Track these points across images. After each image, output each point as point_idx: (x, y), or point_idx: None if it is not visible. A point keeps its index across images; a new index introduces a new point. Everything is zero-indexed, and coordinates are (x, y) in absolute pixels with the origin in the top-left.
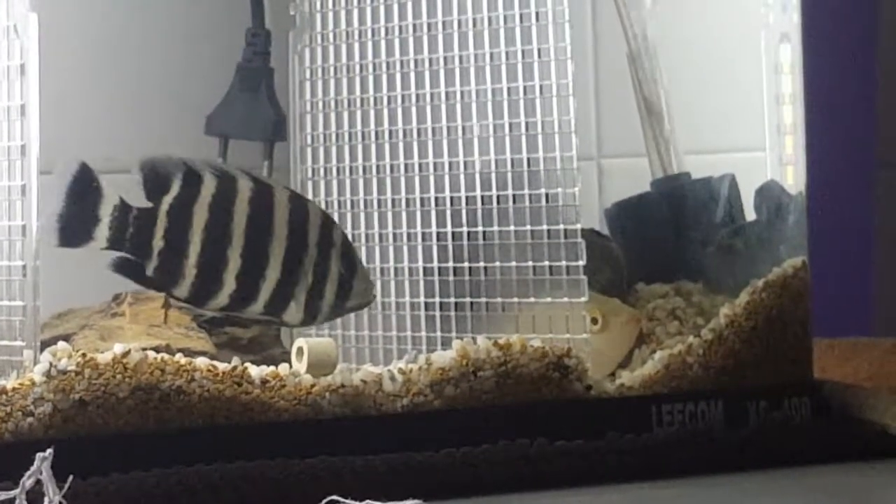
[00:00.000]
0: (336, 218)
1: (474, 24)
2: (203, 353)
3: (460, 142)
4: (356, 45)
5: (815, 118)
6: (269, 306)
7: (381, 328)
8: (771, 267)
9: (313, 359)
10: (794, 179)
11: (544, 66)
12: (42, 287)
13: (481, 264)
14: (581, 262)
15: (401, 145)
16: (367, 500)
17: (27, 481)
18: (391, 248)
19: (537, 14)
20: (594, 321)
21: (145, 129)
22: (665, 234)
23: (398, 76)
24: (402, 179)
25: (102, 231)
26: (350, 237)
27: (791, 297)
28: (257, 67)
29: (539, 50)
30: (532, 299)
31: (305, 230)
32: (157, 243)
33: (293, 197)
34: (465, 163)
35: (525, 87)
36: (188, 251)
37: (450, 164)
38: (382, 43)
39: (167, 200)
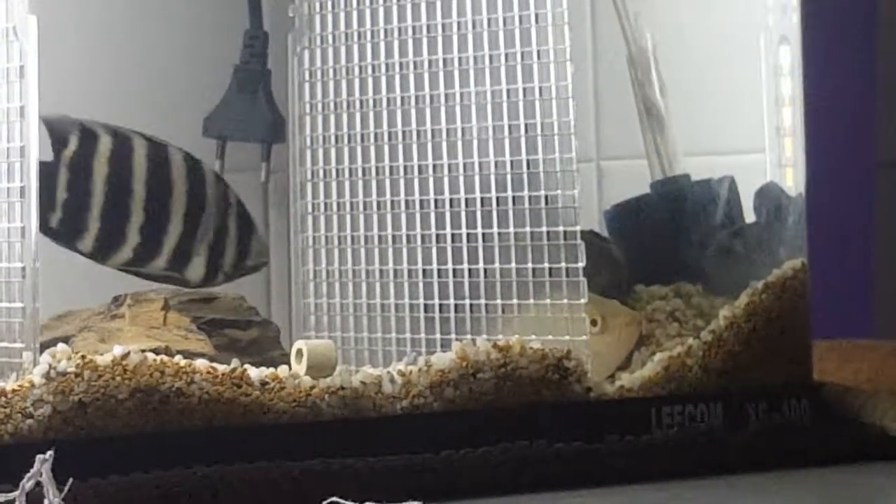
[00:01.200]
0: (335, 220)
1: (474, 26)
2: (202, 355)
3: (460, 144)
4: (355, 47)
5: (814, 120)
6: (172, 262)
7: (381, 330)
8: (770, 269)
9: (313, 361)
10: (793, 181)
11: (543, 68)
12: (41, 289)
13: (481, 266)
14: (580, 264)
15: (400, 147)
16: (367, 503)
17: (27, 483)
18: (390, 250)
19: (537, 16)
20: (593, 323)
21: (143, 130)
22: (664, 236)
23: (397, 78)
24: (402, 181)
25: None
26: (349, 239)
27: (790, 299)
28: (255, 69)
29: (538, 52)
30: (531, 301)
31: (203, 188)
32: (60, 195)
33: (187, 157)
34: (465, 164)
35: (524, 89)
36: (91, 203)
37: (449, 165)
38: (382, 45)
39: (67, 154)
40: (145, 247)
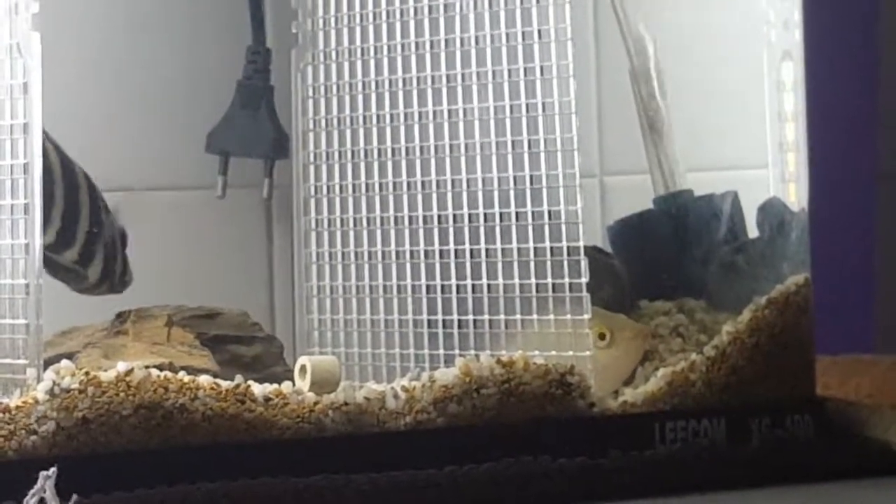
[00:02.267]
0: (339, 236)
1: (477, 42)
2: (206, 371)
3: (463, 159)
4: (359, 63)
5: (816, 135)
6: (81, 256)
7: (384, 346)
8: (773, 284)
9: (316, 376)
10: (796, 196)
11: (546, 84)
12: (45, 305)
13: (484, 281)
14: (583, 280)
15: (403, 163)
16: None
17: (31, 500)
18: (394, 266)
19: (540, 32)
20: (602, 336)
21: (146, 147)
22: (668, 252)
23: (401, 94)
24: (405, 197)
25: None
26: (353, 255)
27: (793, 314)
28: (258, 85)
29: (541, 67)
30: (535, 317)
31: (97, 194)
32: None
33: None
34: (468, 180)
35: (528, 105)
36: None
37: (453, 181)
38: (385, 61)
39: None
40: (65, 233)
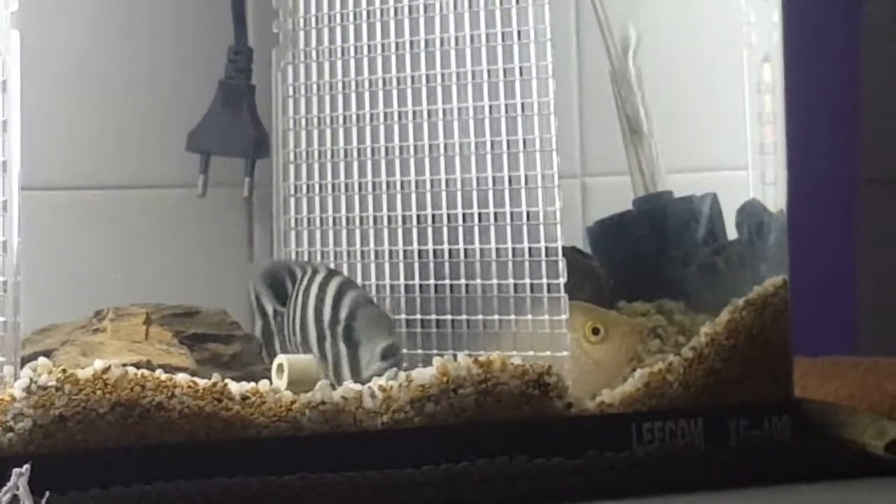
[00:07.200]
0: (318, 235)
1: (456, 42)
2: (184, 370)
3: (442, 159)
4: (339, 63)
5: (796, 136)
6: None
7: None
8: (752, 285)
9: (294, 375)
10: (775, 198)
11: (526, 84)
12: (23, 303)
13: (462, 282)
14: (561, 280)
15: (383, 162)
16: None
17: (3, 497)
18: (373, 265)
19: (519, 33)
20: (595, 331)
21: (127, 145)
22: (647, 253)
23: (380, 93)
24: (384, 196)
25: None
26: (332, 254)
27: (772, 316)
28: (239, 84)
29: (521, 68)
30: (513, 317)
31: None
32: None
33: None
34: (447, 180)
35: (507, 106)
36: None
37: (432, 181)
38: (365, 60)
39: None
40: None
